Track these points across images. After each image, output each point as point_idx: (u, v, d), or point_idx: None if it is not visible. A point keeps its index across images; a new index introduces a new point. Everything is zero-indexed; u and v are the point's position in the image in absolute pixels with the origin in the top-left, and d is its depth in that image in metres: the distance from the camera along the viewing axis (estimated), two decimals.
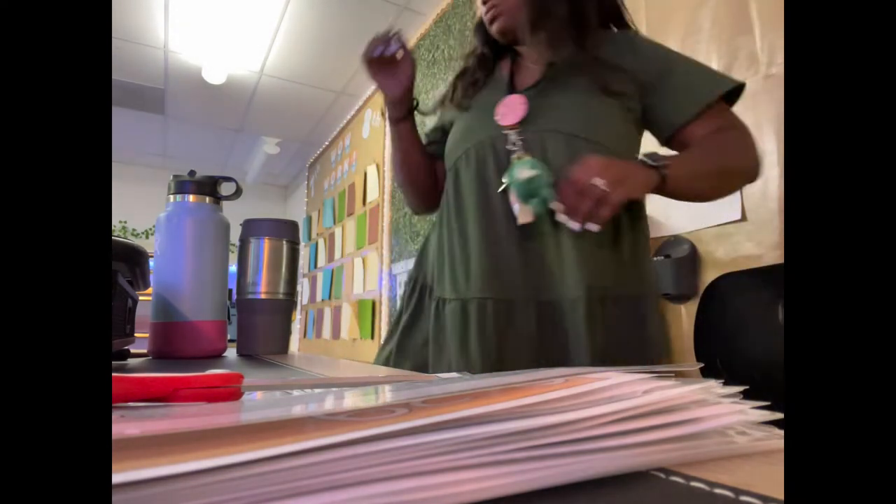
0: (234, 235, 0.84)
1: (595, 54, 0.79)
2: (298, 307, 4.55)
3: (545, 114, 0.80)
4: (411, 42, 2.91)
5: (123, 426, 0.15)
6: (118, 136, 4.26)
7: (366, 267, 3.22)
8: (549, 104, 0.81)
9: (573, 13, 0.81)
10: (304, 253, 4.55)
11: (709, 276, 1.42)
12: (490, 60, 0.91)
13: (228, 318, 0.82)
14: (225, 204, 0.82)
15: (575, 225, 0.66)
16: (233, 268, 0.82)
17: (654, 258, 1.53)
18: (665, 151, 0.76)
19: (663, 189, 0.71)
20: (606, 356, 0.70)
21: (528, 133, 0.78)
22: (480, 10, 0.89)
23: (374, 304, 3.05)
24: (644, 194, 0.73)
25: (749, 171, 0.76)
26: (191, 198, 0.78)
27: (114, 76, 3.27)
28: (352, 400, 0.19)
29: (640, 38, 0.85)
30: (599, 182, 0.63)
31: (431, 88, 2.62)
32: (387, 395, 0.20)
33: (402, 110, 0.89)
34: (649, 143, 0.82)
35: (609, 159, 0.67)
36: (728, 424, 0.17)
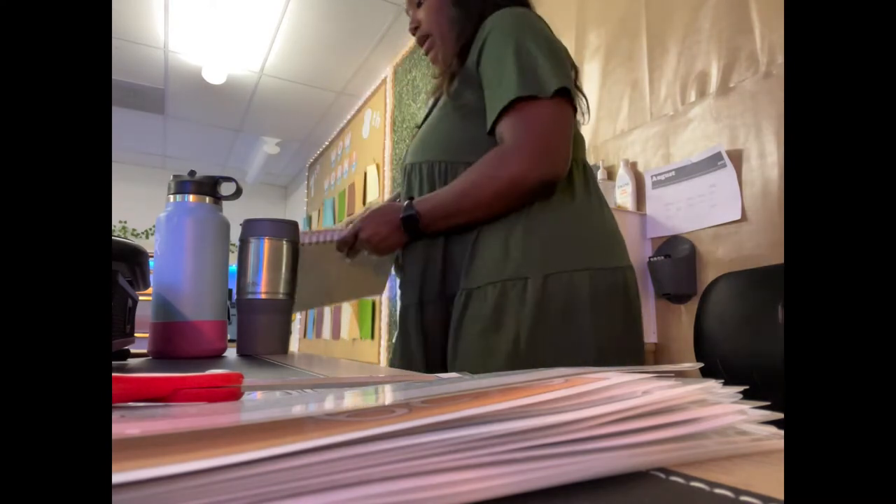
0: (234, 235, 0.84)
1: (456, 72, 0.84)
2: None
3: (416, 145, 0.87)
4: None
5: (123, 426, 0.15)
6: (118, 136, 4.26)
7: None
8: (421, 134, 0.89)
9: (460, 34, 0.85)
10: None
11: (709, 276, 1.42)
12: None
13: (228, 318, 0.82)
14: (225, 204, 0.82)
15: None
16: (233, 268, 0.82)
17: (654, 258, 1.54)
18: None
19: (421, 231, 0.80)
20: None
21: (408, 168, 0.88)
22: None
23: (374, 304, 3.04)
24: (397, 243, 0.83)
25: (487, 194, 0.74)
26: (191, 198, 0.78)
27: (114, 76, 3.27)
28: (352, 400, 0.19)
29: (489, 37, 0.80)
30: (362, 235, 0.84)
31: (432, 88, 2.62)
32: (387, 395, 0.20)
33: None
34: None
35: (375, 217, 0.83)
36: (728, 424, 0.17)
